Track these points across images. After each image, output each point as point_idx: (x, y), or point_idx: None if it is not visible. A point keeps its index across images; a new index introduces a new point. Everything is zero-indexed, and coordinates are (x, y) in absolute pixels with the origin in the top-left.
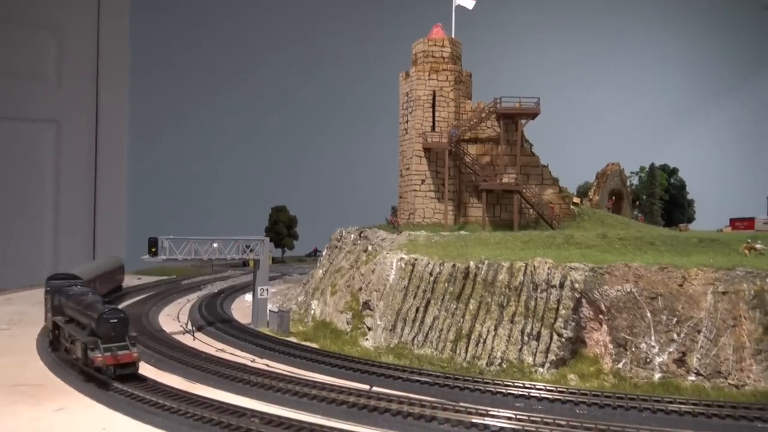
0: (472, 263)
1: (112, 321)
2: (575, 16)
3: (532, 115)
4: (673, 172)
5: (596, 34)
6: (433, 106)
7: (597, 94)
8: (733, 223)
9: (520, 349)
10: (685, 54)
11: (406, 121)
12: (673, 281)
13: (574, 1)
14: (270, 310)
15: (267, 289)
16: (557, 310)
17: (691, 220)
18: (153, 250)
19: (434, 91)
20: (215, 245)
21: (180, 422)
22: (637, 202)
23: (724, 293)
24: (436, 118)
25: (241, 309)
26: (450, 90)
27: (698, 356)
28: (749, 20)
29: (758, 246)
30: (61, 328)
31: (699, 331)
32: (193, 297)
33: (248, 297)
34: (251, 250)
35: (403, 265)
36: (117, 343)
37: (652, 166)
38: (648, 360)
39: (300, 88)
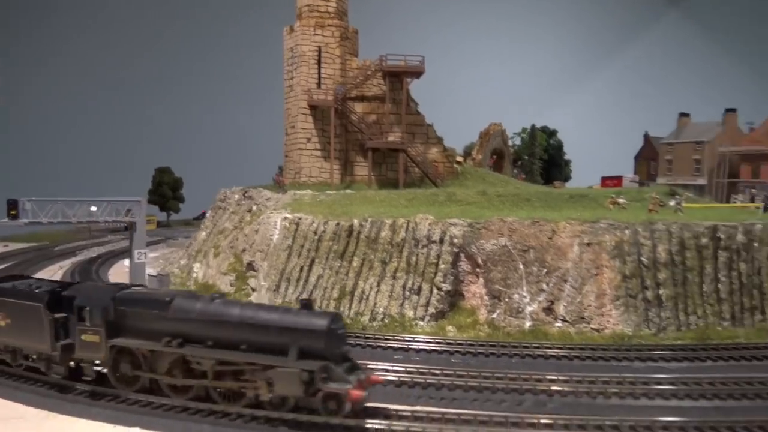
0: (356, 221)
1: (340, 332)
2: None
3: (417, 73)
4: (553, 133)
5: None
6: (319, 62)
7: (483, 58)
8: (604, 180)
9: (402, 304)
10: (566, 23)
11: (291, 78)
12: (544, 234)
13: None
14: (148, 275)
15: (145, 253)
16: (437, 264)
17: (568, 178)
18: (12, 212)
19: (320, 47)
20: (93, 208)
21: (30, 390)
22: (519, 162)
23: (588, 244)
24: (322, 75)
25: (119, 275)
26: (336, 46)
27: (564, 304)
28: None
29: (621, 200)
30: (146, 355)
31: (566, 281)
32: (67, 263)
33: (127, 262)
34: (129, 212)
35: (287, 224)
36: (346, 364)
37: (533, 127)
38: (520, 309)
39: (182, 44)
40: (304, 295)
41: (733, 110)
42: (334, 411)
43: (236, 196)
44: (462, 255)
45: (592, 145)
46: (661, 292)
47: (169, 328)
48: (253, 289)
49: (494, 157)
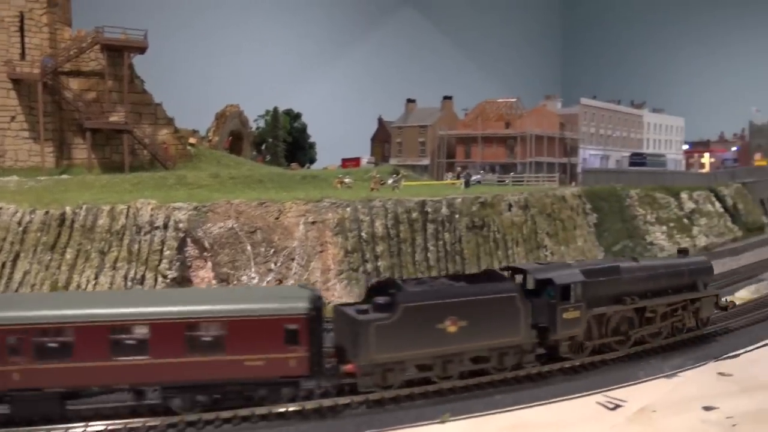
0: (68, 209)
1: None
2: None
3: (140, 48)
4: (297, 116)
5: None
6: (21, 30)
7: (224, 37)
8: (344, 162)
9: None
10: (309, 9)
11: None
12: (271, 215)
13: None
14: None
15: None
16: (162, 251)
17: (313, 160)
18: None
19: (22, 13)
20: None
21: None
22: (264, 144)
23: (313, 223)
24: (26, 45)
25: None
26: (42, 13)
27: (292, 282)
28: None
29: (347, 180)
30: None
31: (293, 259)
32: None
33: None
34: None
35: None
36: None
37: (275, 110)
38: None
39: None
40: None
41: (449, 97)
42: (707, 320)
43: None
44: (188, 240)
45: (335, 128)
46: (379, 263)
47: (623, 290)
48: None
49: (230, 138)
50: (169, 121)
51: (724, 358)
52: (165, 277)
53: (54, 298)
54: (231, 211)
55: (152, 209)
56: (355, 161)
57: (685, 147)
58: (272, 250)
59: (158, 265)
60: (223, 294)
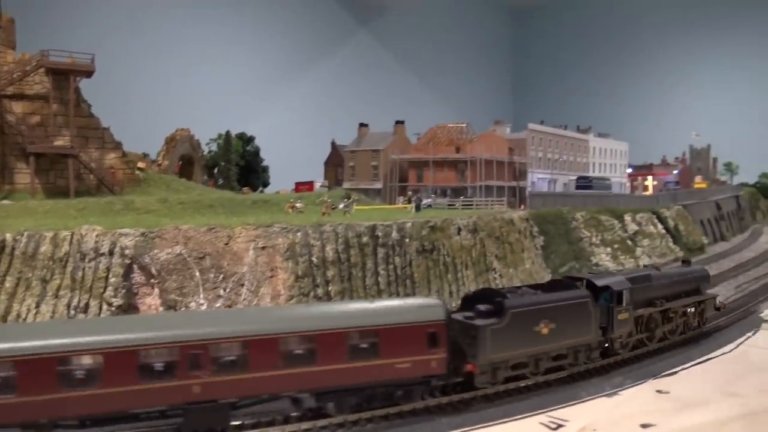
0: (8, 236)
1: None
2: None
3: (87, 72)
4: (250, 140)
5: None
6: None
7: (176, 61)
8: (298, 186)
9: None
10: (264, 33)
11: None
12: (220, 240)
13: None
14: None
15: None
16: (107, 278)
17: (267, 184)
18: None
19: None
20: None
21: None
22: (216, 168)
23: (263, 248)
24: None
25: None
26: None
27: (242, 307)
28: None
29: (298, 205)
30: None
31: (242, 285)
32: None
33: None
34: None
35: None
36: None
37: (227, 133)
38: None
39: None
40: None
41: (401, 122)
42: (707, 320)
43: None
44: (135, 266)
45: (289, 152)
46: (330, 288)
47: (652, 294)
48: None
49: (180, 162)
50: (117, 145)
51: (662, 376)
52: (110, 304)
53: (227, 315)
54: (179, 236)
55: (97, 235)
56: (309, 185)
57: (629, 170)
58: (221, 276)
59: (103, 292)
60: (369, 306)
